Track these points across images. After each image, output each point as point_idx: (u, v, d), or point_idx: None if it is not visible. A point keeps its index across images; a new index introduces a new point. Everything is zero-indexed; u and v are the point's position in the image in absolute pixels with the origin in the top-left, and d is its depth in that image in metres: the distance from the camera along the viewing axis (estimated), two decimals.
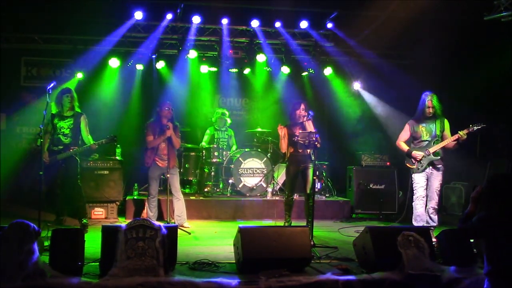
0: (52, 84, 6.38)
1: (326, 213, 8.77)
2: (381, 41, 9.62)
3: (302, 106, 6.99)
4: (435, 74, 9.06)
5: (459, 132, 6.49)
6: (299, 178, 7.14)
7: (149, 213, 7.50)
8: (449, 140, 6.58)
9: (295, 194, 7.46)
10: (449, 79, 8.73)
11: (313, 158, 6.84)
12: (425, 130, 6.76)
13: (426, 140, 6.72)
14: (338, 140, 10.44)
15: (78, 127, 7.13)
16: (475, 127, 6.46)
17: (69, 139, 7.07)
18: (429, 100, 6.65)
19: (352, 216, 8.98)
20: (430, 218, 6.63)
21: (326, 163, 9.78)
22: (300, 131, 6.80)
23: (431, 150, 6.64)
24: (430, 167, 6.68)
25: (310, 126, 6.92)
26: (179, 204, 7.49)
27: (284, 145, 7.06)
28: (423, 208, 6.68)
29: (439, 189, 6.70)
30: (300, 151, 6.87)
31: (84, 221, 7.13)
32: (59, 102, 7.12)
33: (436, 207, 6.68)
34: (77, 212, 7.25)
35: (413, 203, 6.80)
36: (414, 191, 6.80)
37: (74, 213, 7.32)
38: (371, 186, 9.05)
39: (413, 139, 6.88)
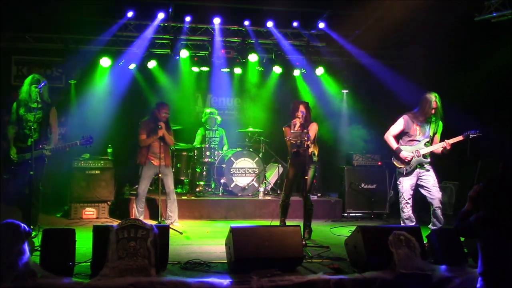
0: (43, 84, 6.31)
1: (318, 213, 8.73)
2: (372, 41, 9.64)
3: (301, 108, 6.72)
4: (426, 74, 9.10)
5: (445, 141, 6.37)
6: (297, 179, 7.00)
7: (137, 214, 7.45)
8: (437, 147, 6.44)
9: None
10: (440, 79, 8.77)
11: (314, 159, 6.77)
12: (419, 129, 6.53)
13: (418, 140, 6.52)
14: (330, 140, 10.46)
15: (47, 120, 6.41)
16: (471, 135, 6.32)
17: (36, 134, 6.29)
18: (435, 101, 6.39)
19: (344, 215, 9.01)
20: (437, 219, 6.36)
21: (318, 163, 9.77)
22: (292, 131, 6.72)
23: (422, 152, 6.45)
24: (418, 168, 6.50)
25: (312, 128, 6.73)
26: (172, 205, 7.51)
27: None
28: (410, 210, 6.54)
29: (437, 185, 6.46)
30: (301, 151, 6.66)
31: (34, 233, 5.68)
32: (27, 91, 6.31)
33: (441, 205, 6.41)
34: (27, 218, 5.98)
35: (400, 206, 6.64)
36: (400, 194, 6.62)
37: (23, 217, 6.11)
38: (362, 185, 9.09)
39: (404, 135, 6.61)
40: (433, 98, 6.43)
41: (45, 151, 6.27)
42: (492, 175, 3.95)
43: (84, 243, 5.28)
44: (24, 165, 6.24)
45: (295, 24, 9.54)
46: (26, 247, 4.39)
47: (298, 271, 4.98)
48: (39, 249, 4.72)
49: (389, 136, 6.67)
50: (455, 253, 5.15)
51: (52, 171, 8.91)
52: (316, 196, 9.38)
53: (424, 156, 6.49)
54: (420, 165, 6.51)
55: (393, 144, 6.63)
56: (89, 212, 8.16)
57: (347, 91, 10.77)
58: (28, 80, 6.40)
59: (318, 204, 8.94)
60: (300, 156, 6.71)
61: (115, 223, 4.81)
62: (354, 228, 5.39)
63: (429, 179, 6.49)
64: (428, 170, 6.53)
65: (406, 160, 6.47)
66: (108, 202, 8.33)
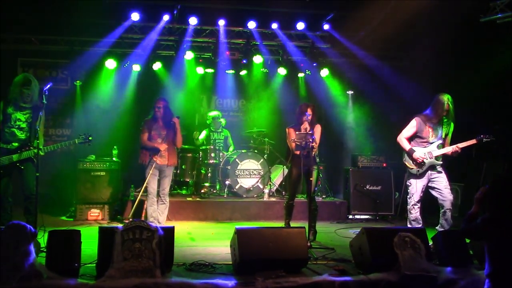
0: (48, 85, 6.30)
1: (323, 214, 8.73)
2: (377, 43, 9.64)
3: (309, 111, 6.73)
4: (431, 75, 9.08)
5: (456, 145, 6.34)
6: (301, 181, 7.00)
7: (151, 213, 7.12)
8: (447, 150, 6.41)
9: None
10: (445, 80, 8.75)
11: (317, 160, 6.75)
12: (431, 131, 6.48)
13: (431, 142, 6.47)
14: (335, 141, 10.46)
15: (36, 120, 5.91)
16: (484, 139, 6.29)
17: (26, 133, 5.98)
18: (447, 103, 6.34)
19: (349, 217, 9.00)
20: (446, 221, 6.31)
21: (323, 164, 9.79)
22: (297, 132, 6.71)
23: (435, 154, 6.41)
24: (430, 170, 6.45)
25: (317, 130, 6.73)
26: (163, 208, 7.20)
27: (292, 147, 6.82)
28: (418, 212, 6.50)
29: (449, 187, 6.42)
30: (305, 153, 6.58)
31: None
32: (18, 91, 5.95)
33: (452, 207, 6.38)
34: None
35: (408, 207, 6.61)
36: (409, 195, 6.58)
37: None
38: (367, 187, 9.07)
39: (417, 138, 6.56)
40: (446, 100, 6.37)
41: (40, 151, 5.74)
42: (497, 176, 3.95)
43: (89, 244, 5.30)
44: (9, 168, 5.90)
45: (300, 25, 9.53)
46: (32, 248, 4.41)
47: (303, 273, 4.98)
48: (45, 250, 4.74)
49: (402, 138, 6.62)
50: (460, 255, 5.14)
51: (57, 172, 9.04)
52: (321, 198, 9.37)
53: (437, 158, 6.45)
54: (432, 167, 6.48)
55: (406, 145, 6.58)
56: (95, 213, 8.19)
57: (352, 92, 10.75)
58: (18, 80, 6.06)
59: (323, 206, 8.94)
60: (304, 158, 6.64)
61: (120, 224, 4.82)
62: (359, 229, 5.39)
63: (441, 181, 6.45)
64: (440, 172, 6.49)
65: (419, 161, 6.42)
66: (114, 204, 8.35)
